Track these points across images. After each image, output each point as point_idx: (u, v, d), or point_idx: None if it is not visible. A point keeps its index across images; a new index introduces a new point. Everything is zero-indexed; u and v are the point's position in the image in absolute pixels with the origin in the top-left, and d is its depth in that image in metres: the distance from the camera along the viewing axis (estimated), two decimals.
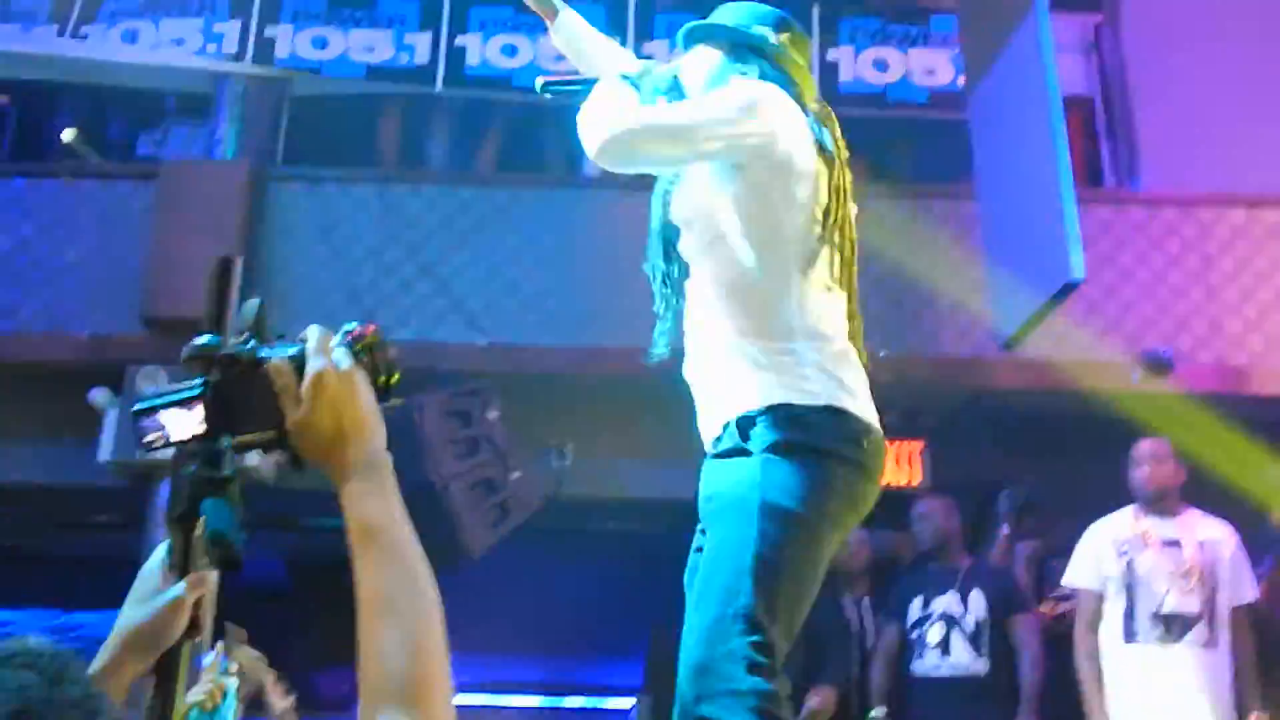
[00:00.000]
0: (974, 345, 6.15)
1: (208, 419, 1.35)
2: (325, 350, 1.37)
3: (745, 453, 2.44)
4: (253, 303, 1.42)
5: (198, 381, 1.36)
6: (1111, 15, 7.39)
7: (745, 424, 2.45)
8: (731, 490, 2.43)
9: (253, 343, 1.38)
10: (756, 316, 2.51)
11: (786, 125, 2.56)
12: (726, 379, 2.53)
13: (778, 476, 2.38)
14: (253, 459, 1.45)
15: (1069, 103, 5.73)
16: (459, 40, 7.06)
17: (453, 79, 6.99)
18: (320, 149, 7.28)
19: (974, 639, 5.20)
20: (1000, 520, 5.96)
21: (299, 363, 1.36)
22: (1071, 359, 6.37)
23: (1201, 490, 5.22)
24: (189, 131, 7.66)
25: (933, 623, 5.24)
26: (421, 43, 7.04)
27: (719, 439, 2.53)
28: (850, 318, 2.60)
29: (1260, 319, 6.48)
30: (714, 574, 2.38)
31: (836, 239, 2.58)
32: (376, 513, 1.33)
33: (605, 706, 10.00)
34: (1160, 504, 5.04)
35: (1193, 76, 6.98)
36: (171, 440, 1.36)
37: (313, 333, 1.37)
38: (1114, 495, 5.20)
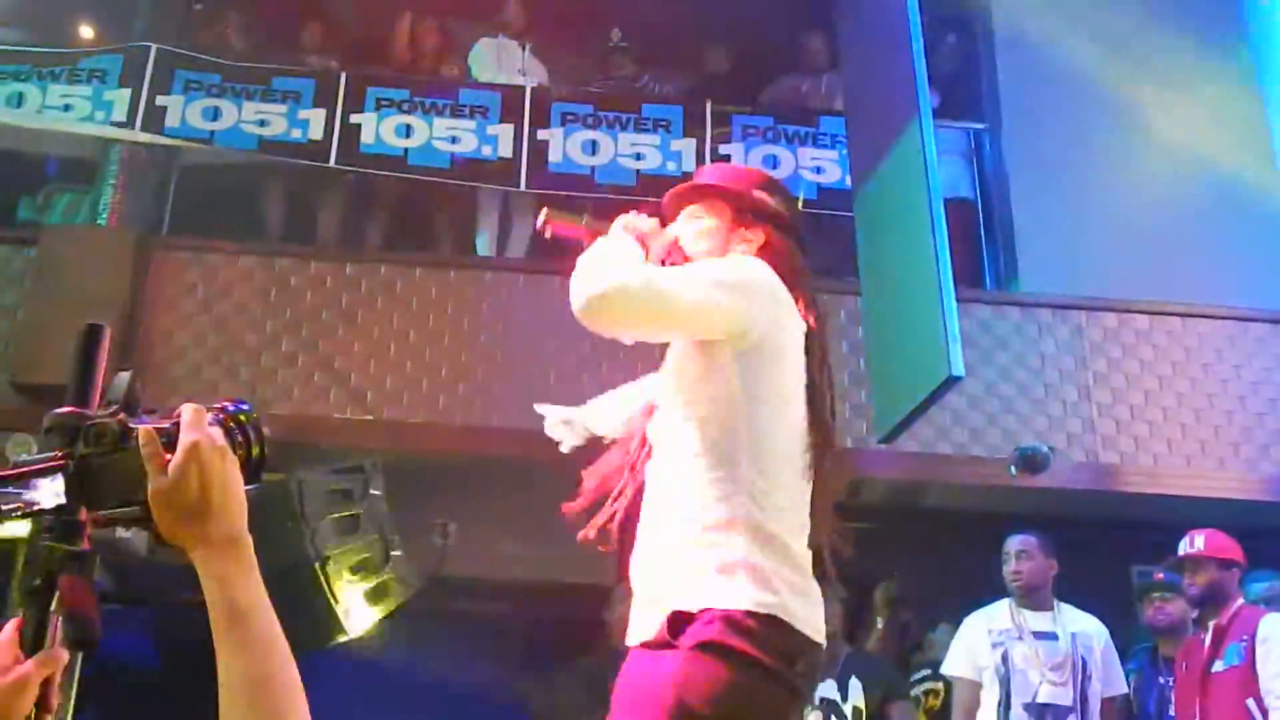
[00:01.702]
0: (853, 437, 6.23)
1: (68, 491, 1.32)
2: (200, 425, 1.35)
3: (672, 646, 2.31)
4: (124, 375, 1.38)
5: (60, 452, 1.32)
6: (993, 123, 7.66)
7: (680, 620, 2.33)
8: (646, 681, 2.31)
9: (122, 415, 1.35)
10: (712, 515, 2.39)
11: (778, 315, 2.51)
12: (673, 571, 2.40)
13: (698, 677, 2.25)
14: (125, 532, 1.41)
15: (951, 205, 5.89)
16: (354, 118, 7.05)
17: (346, 156, 6.98)
18: (208, 220, 7.20)
19: None
20: (876, 610, 6.02)
21: (169, 436, 1.33)
22: (950, 453, 6.49)
23: (1074, 584, 5.33)
24: (72, 197, 7.51)
25: (812, 710, 5.26)
26: (315, 118, 7.02)
27: (652, 629, 2.40)
28: (816, 506, 2.51)
29: (1131, 420, 6.68)
30: None
31: (818, 427, 2.53)
32: (240, 594, 1.31)
33: None
34: (1032, 597, 5.16)
35: (1069, 184, 7.25)
36: (32, 510, 1.32)
37: (187, 408, 1.36)
38: (991, 587, 5.30)
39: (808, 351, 2.57)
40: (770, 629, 2.30)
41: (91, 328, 1.41)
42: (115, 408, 1.35)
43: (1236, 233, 7.06)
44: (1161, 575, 5.40)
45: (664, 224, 2.79)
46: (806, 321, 2.59)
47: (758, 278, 2.53)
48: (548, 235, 2.75)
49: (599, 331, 2.55)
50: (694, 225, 2.75)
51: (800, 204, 7.08)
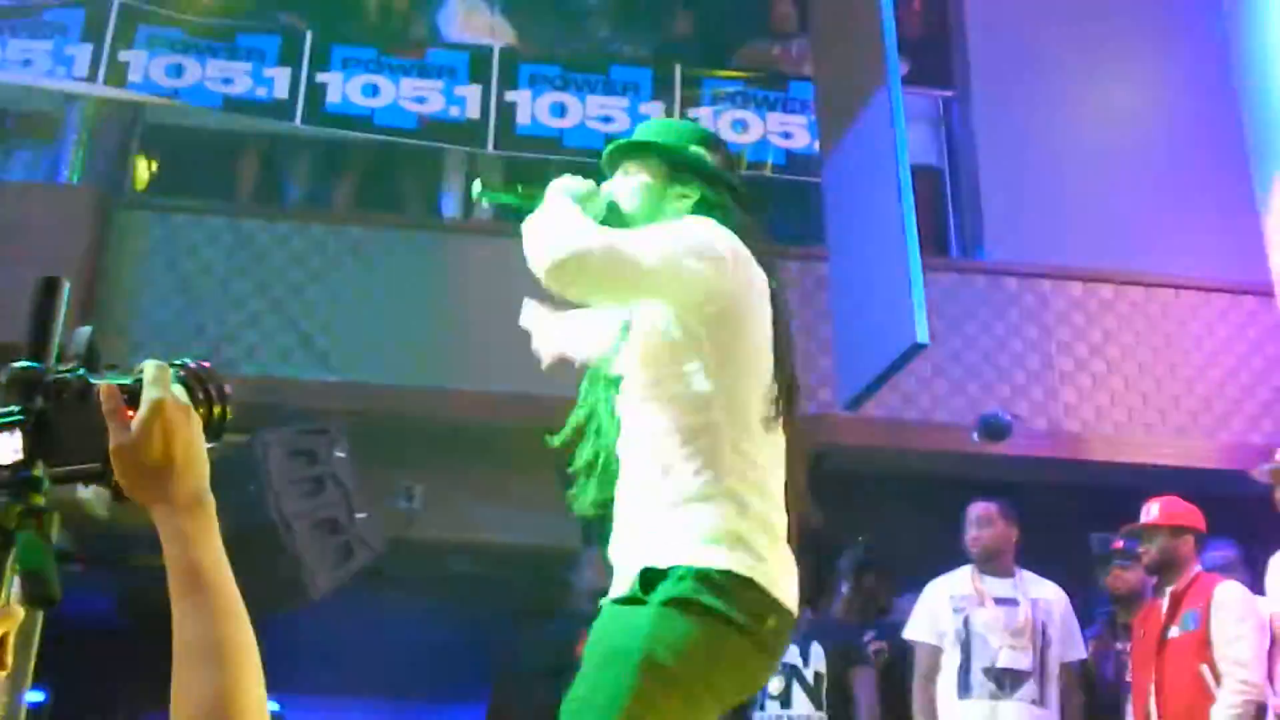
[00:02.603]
0: (819, 403, 6.26)
1: (26, 446, 1.30)
2: (163, 382, 1.33)
3: (642, 602, 2.33)
4: (85, 330, 1.36)
5: (17, 407, 1.31)
6: (962, 90, 7.66)
7: (651, 576, 2.34)
8: (618, 637, 2.32)
9: (82, 371, 1.33)
10: (688, 474, 2.39)
11: (743, 275, 2.49)
12: (646, 533, 2.42)
13: (668, 633, 2.26)
14: (85, 492, 1.39)
15: (918, 172, 5.90)
16: (320, 77, 6.98)
17: (312, 115, 6.91)
18: (173, 179, 7.13)
19: (813, 691, 5.28)
20: (841, 576, 6.06)
21: (132, 392, 1.32)
22: (914, 420, 6.53)
23: (1035, 550, 5.39)
24: (32, 154, 7.41)
25: (773, 674, 5.30)
26: (281, 77, 6.94)
27: (624, 587, 2.41)
28: (790, 459, 2.51)
29: (1093, 389, 6.73)
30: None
31: (783, 381, 2.52)
32: (201, 554, 1.30)
33: None
34: (992, 564, 5.21)
35: (1037, 153, 7.27)
36: None
37: (150, 365, 1.33)
38: (953, 553, 5.35)
39: (774, 307, 2.56)
40: (743, 589, 2.31)
41: (49, 281, 1.38)
42: (76, 363, 1.33)
43: (1201, 205, 7.10)
44: (1121, 543, 5.46)
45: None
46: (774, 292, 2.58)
47: (719, 240, 2.50)
48: (484, 205, 2.74)
49: (565, 297, 2.54)
50: (628, 183, 2.72)
51: (769, 169, 7.09)
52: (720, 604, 2.28)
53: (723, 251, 2.48)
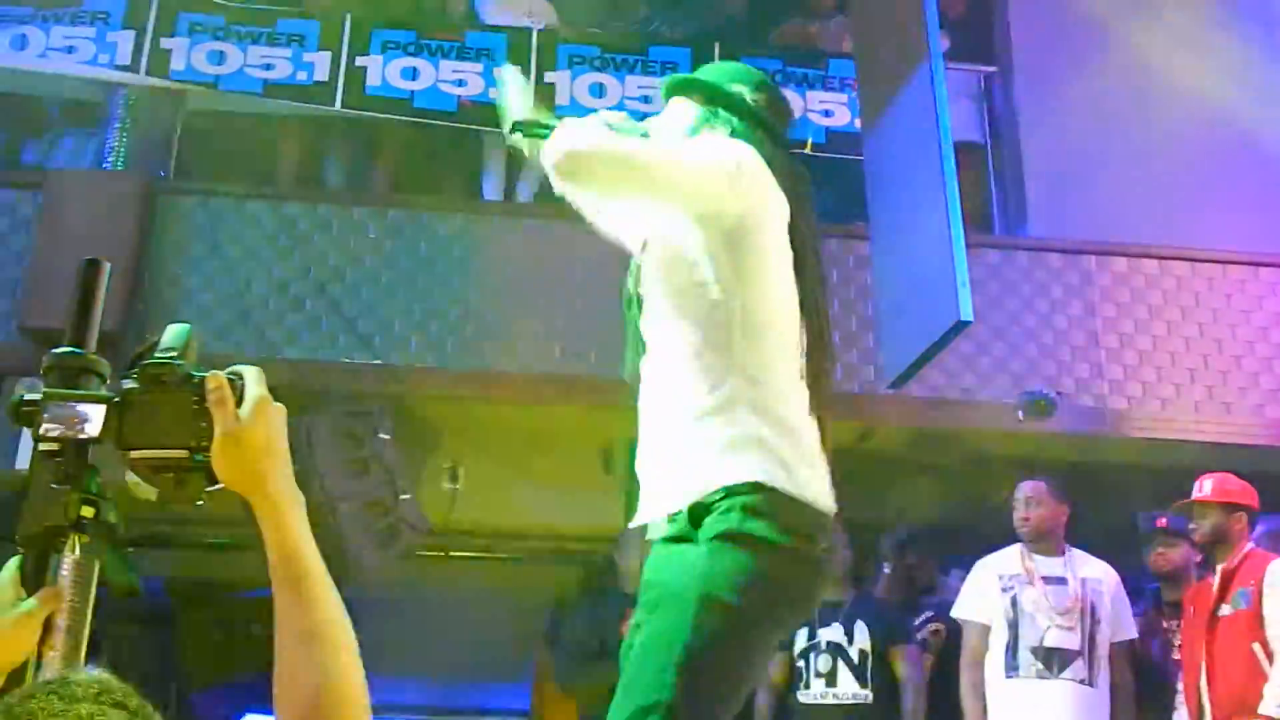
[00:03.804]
0: (862, 382, 6.23)
1: (105, 424, 1.31)
2: (263, 383, 1.39)
3: (692, 540, 2.37)
4: (184, 326, 1.39)
5: (118, 389, 1.33)
6: (1004, 66, 7.59)
7: (698, 511, 2.38)
8: (673, 578, 2.36)
9: (181, 362, 1.35)
10: (711, 398, 2.43)
11: (750, 191, 2.52)
12: (678, 463, 2.45)
13: (721, 568, 2.30)
14: (132, 476, 1.40)
15: (960, 149, 5.85)
16: (359, 61, 7.00)
17: (352, 99, 6.94)
18: (215, 165, 7.17)
19: (859, 669, 5.28)
20: (884, 555, 6.05)
21: (236, 385, 1.34)
22: (958, 398, 6.49)
23: (1079, 528, 5.35)
24: (77, 141, 7.47)
25: (819, 653, 5.31)
26: (321, 62, 6.97)
27: (672, 521, 2.45)
28: (815, 388, 2.53)
29: (1139, 365, 6.66)
30: (643, 664, 2.30)
31: (809, 309, 2.55)
32: (302, 544, 1.35)
33: None
34: (1042, 543, 5.19)
35: (1079, 128, 7.19)
36: (72, 435, 1.31)
37: (248, 368, 1.39)
38: (1001, 531, 5.33)
39: (793, 230, 2.58)
40: (785, 507, 2.35)
41: (90, 263, 1.40)
42: (175, 353, 1.35)
43: (1246, 177, 7.01)
44: (1165, 521, 5.42)
45: None
46: (800, 223, 2.60)
47: (731, 152, 2.55)
48: (516, 136, 2.79)
49: (570, 187, 2.61)
50: (665, 116, 2.79)
51: (809, 147, 7.04)
52: (767, 531, 2.33)
53: (732, 162, 2.52)
